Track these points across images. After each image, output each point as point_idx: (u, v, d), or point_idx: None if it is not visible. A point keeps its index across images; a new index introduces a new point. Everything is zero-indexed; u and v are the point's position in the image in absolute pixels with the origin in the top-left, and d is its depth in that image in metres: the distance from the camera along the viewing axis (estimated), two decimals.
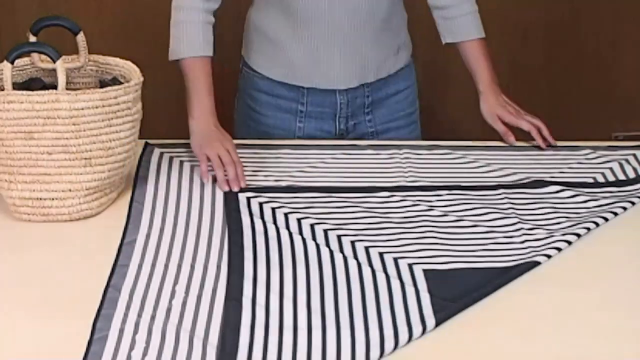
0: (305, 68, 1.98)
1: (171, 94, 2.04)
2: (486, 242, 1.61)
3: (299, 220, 1.66)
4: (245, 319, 1.39)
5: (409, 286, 1.47)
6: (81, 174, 1.65)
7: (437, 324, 1.38)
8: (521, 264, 1.53)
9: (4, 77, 1.63)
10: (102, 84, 1.78)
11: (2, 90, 1.64)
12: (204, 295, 1.45)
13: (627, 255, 1.59)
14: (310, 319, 1.39)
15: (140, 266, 1.53)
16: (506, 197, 1.75)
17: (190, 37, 1.89)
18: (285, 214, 1.68)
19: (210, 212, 1.70)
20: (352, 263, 1.54)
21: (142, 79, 1.71)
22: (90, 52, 1.80)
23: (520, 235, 1.62)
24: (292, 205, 1.71)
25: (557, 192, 1.77)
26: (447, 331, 1.39)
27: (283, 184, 1.80)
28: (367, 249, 1.57)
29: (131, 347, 1.33)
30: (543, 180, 1.81)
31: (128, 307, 1.42)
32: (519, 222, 1.66)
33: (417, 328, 1.36)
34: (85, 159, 1.64)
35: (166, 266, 1.53)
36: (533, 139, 1.96)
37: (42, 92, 1.60)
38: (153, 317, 1.40)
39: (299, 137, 2.03)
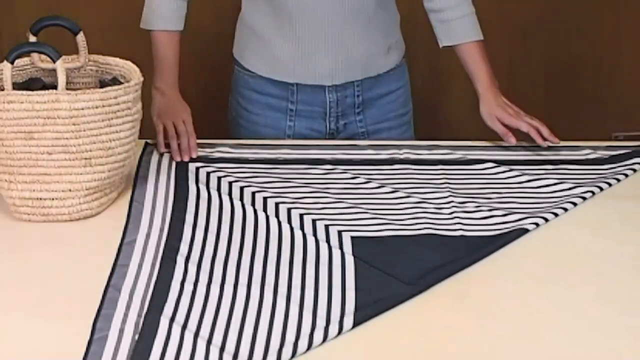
0: (291, 63, 1.98)
1: None
2: (416, 212, 1.69)
3: (241, 188, 1.75)
4: (177, 274, 1.49)
5: (335, 249, 1.56)
6: (81, 174, 1.65)
7: (357, 288, 1.46)
8: (449, 236, 1.61)
9: (4, 77, 1.63)
10: (102, 84, 1.78)
11: (2, 90, 1.64)
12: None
13: (624, 252, 1.60)
14: (238, 276, 1.49)
15: (140, 266, 1.53)
16: (443, 172, 1.84)
17: (163, 10, 1.96)
18: (230, 183, 1.77)
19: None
20: (285, 227, 1.63)
21: (142, 79, 1.71)
22: (90, 52, 1.80)
23: (449, 207, 1.70)
24: (238, 174, 1.81)
25: (491, 168, 1.85)
26: (441, 322, 1.39)
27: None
28: (301, 216, 1.66)
29: (131, 347, 1.33)
30: (479, 159, 1.88)
31: (128, 307, 1.42)
32: (450, 195, 1.75)
33: (336, 291, 1.45)
34: (85, 159, 1.64)
35: None
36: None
37: (42, 92, 1.60)
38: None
39: (289, 136, 2.04)
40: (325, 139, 2.05)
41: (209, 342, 1.34)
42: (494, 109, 1.95)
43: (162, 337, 1.34)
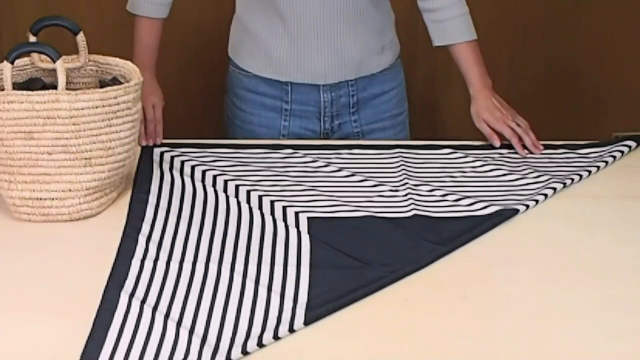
0: (284, 62, 1.98)
1: (171, 94, 2.03)
2: (371, 194, 1.76)
3: (203, 172, 1.81)
4: (138, 252, 1.55)
5: (292, 227, 1.63)
6: (81, 174, 1.65)
7: (312, 263, 1.53)
8: (403, 217, 1.67)
9: (4, 77, 1.63)
10: (102, 84, 1.78)
11: (2, 90, 1.64)
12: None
13: (624, 252, 1.59)
14: (197, 253, 1.56)
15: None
16: (400, 156, 1.89)
17: None
18: (193, 166, 1.83)
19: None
20: (245, 208, 1.69)
21: (142, 79, 1.71)
22: (90, 52, 1.80)
23: (405, 189, 1.76)
24: (201, 159, 1.87)
25: (449, 154, 1.91)
26: (441, 322, 1.40)
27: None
28: (260, 197, 1.73)
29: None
30: (437, 144, 1.95)
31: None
32: (405, 178, 1.81)
33: (291, 267, 1.52)
34: (85, 159, 1.64)
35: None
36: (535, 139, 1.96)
37: (42, 92, 1.60)
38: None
39: (284, 136, 2.05)
40: (320, 138, 2.05)
41: (167, 316, 1.39)
42: (481, 111, 1.95)
43: (121, 312, 1.39)
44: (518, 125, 1.94)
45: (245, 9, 2.01)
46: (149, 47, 2.00)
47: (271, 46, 1.98)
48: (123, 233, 1.61)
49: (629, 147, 1.91)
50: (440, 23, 1.99)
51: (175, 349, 1.33)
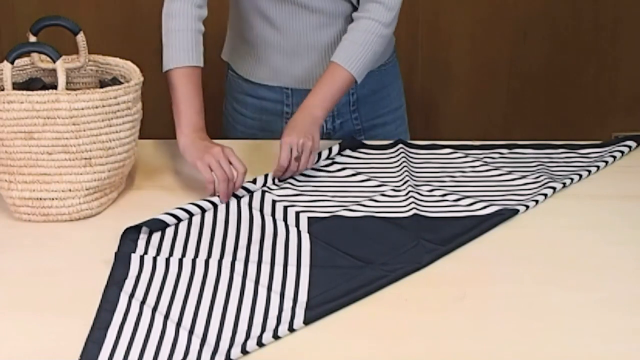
0: (280, 70, 1.98)
1: (170, 97, 2.03)
2: (373, 194, 1.76)
3: None
4: (138, 252, 1.56)
5: (292, 227, 1.64)
6: (81, 174, 1.65)
7: (312, 263, 1.53)
8: (403, 217, 1.67)
9: (4, 77, 1.63)
10: (102, 84, 1.78)
11: (2, 90, 1.64)
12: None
13: (625, 252, 1.59)
14: (197, 253, 1.56)
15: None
16: (404, 156, 1.90)
17: (182, 45, 1.82)
18: None
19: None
20: (244, 209, 1.70)
21: (142, 79, 1.71)
22: (90, 52, 1.80)
23: (406, 189, 1.77)
24: None
25: (449, 154, 1.92)
26: (441, 322, 1.40)
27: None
28: (262, 197, 1.74)
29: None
30: (437, 144, 1.95)
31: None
32: (407, 178, 1.81)
33: (292, 267, 1.52)
34: (85, 159, 1.64)
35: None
36: (535, 139, 1.96)
37: (42, 92, 1.60)
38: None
39: None
40: (322, 139, 2.05)
41: (167, 316, 1.40)
42: (289, 126, 1.82)
43: (121, 312, 1.40)
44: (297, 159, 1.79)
45: (238, 16, 2.01)
46: (196, 104, 1.80)
47: (266, 55, 1.98)
48: (122, 235, 1.61)
49: (629, 147, 1.92)
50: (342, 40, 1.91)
51: (174, 348, 1.33)
